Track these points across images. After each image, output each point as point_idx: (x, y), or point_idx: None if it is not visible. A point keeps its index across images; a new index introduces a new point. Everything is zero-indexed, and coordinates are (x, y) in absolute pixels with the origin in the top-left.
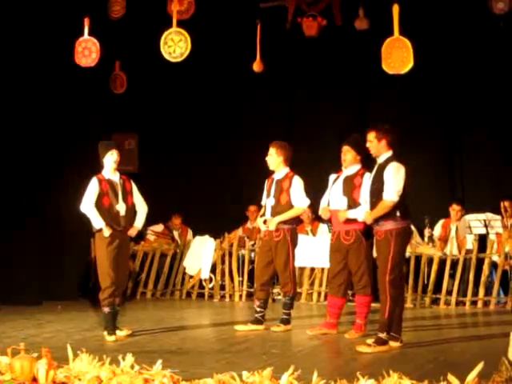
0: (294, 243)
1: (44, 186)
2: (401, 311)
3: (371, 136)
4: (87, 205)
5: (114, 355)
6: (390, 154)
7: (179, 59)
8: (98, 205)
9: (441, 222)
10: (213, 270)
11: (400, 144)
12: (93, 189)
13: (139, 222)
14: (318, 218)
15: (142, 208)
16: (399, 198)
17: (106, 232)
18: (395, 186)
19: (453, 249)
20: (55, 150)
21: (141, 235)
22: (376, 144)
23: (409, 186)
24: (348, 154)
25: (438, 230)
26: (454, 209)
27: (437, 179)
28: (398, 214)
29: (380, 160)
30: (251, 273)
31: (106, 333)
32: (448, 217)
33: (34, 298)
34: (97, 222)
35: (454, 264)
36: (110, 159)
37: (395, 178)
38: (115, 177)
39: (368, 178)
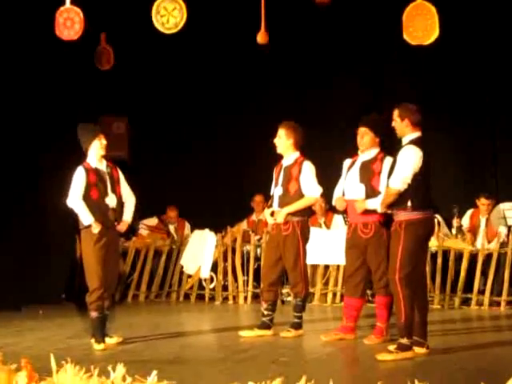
0: (305, 237)
1: (22, 177)
2: (424, 313)
3: (395, 114)
4: (74, 198)
5: (102, 365)
6: (414, 136)
7: (173, 30)
8: (86, 198)
9: (469, 212)
10: (214, 268)
11: (425, 127)
12: (79, 180)
13: (128, 214)
14: (332, 209)
15: (129, 199)
16: (409, 187)
17: (96, 228)
18: (402, 173)
19: (484, 243)
20: (34, 137)
21: (132, 230)
22: (399, 123)
23: (427, 174)
24: (366, 136)
25: (466, 222)
26: (484, 203)
27: (467, 165)
28: (409, 203)
29: (403, 142)
30: (257, 271)
31: (93, 340)
32: (477, 207)
33: (12, 303)
34: (85, 217)
35: (487, 259)
36: (98, 146)
37: (404, 163)
38: (102, 165)
39: (389, 163)
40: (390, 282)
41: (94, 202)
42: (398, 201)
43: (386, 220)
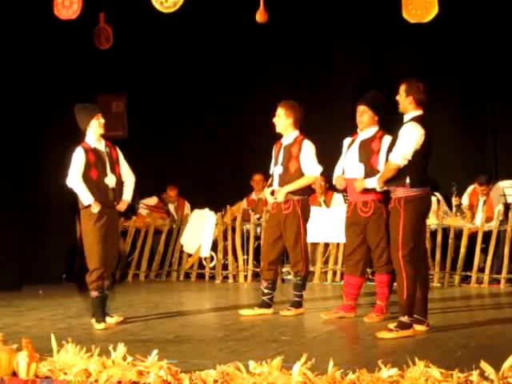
0: (306, 216)
1: (21, 157)
2: (425, 291)
3: (401, 89)
4: (74, 178)
5: (103, 345)
6: (416, 113)
7: (172, 9)
8: (86, 178)
9: (469, 189)
10: (214, 247)
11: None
12: (79, 160)
13: (128, 194)
14: (332, 188)
15: (129, 178)
16: (408, 163)
17: (95, 208)
18: (402, 149)
19: (483, 220)
20: (32, 116)
21: (132, 210)
22: (403, 98)
23: (428, 152)
24: (364, 114)
25: (465, 199)
26: (479, 189)
27: (466, 142)
28: (407, 180)
29: (404, 119)
30: (257, 250)
31: (94, 320)
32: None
33: (13, 283)
34: (85, 197)
35: (487, 237)
36: (97, 125)
37: (405, 139)
38: (101, 145)
39: (388, 141)
40: (392, 259)
41: (93, 181)
42: (397, 177)
43: (385, 198)
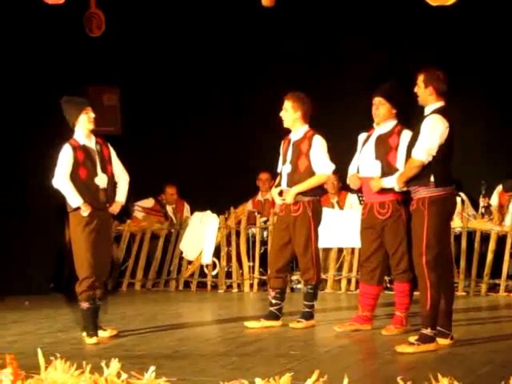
0: (317, 219)
1: (5, 156)
2: (450, 301)
3: (419, 79)
4: (61, 178)
5: (95, 361)
6: (437, 105)
7: None
8: (74, 178)
9: (499, 188)
10: (216, 253)
11: (448, 96)
12: (66, 158)
13: (122, 195)
14: (345, 188)
15: (123, 178)
16: (433, 160)
17: (85, 211)
18: (426, 143)
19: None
20: (16, 110)
21: (126, 212)
22: (423, 90)
23: (452, 147)
24: (381, 107)
25: (494, 199)
26: (510, 197)
27: (494, 137)
28: (432, 179)
29: (425, 112)
30: (264, 256)
31: (85, 334)
32: None
33: None
34: (73, 199)
35: None
36: (86, 120)
37: (429, 133)
38: (91, 142)
39: (407, 137)
40: (415, 266)
41: (82, 182)
42: (419, 176)
43: (405, 199)
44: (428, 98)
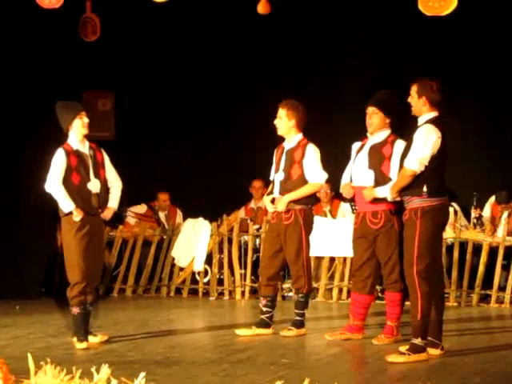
0: (309, 227)
1: None
2: (441, 311)
3: (412, 90)
4: (53, 183)
5: (85, 367)
6: (431, 115)
7: None
8: (66, 183)
9: (491, 199)
10: (208, 260)
11: (443, 108)
12: (59, 163)
13: (114, 200)
14: (338, 197)
15: (115, 183)
16: (426, 170)
17: (77, 216)
18: (419, 153)
19: (505, 234)
20: (8, 115)
21: (118, 218)
22: (416, 100)
23: (445, 157)
24: (374, 116)
25: (487, 211)
26: (503, 208)
27: (488, 147)
28: (425, 189)
29: (419, 122)
30: (256, 264)
31: (75, 339)
32: None
33: None
34: (65, 204)
35: (509, 252)
36: (79, 125)
37: (422, 142)
38: (84, 147)
39: (401, 146)
40: (406, 276)
41: (75, 187)
42: (412, 185)
43: (398, 209)
44: (421, 109)
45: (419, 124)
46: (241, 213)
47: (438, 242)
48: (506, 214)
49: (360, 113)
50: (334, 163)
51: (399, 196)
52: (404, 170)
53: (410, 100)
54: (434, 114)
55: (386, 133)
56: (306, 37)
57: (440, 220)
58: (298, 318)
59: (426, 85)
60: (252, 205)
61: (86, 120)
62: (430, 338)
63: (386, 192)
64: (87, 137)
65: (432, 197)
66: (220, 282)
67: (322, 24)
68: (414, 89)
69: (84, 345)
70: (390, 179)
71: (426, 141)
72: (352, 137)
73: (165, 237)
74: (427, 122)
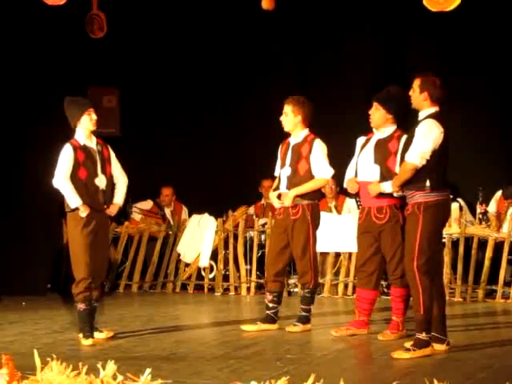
0: (316, 223)
1: (2, 154)
2: (442, 305)
3: (415, 84)
4: (61, 179)
5: (91, 362)
6: (432, 110)
7: None
8: (74, 178)
9: (497, 194)
10: (214, 256)
11: (448, 103)
12: (67, 158)
13: (120, 197)
14: (343, 192)
15: (121, 179)
16: (428, 164)
17: (83, 212)
18: (420, 147)
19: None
20: (16, 110)
21: (124, 214)
22: (417, 94)
23: (447, 152)
24: (376, 112)
25: (492, 206)
26: (510, 204)
27: (493, 143)
28: (427, 183)
29: (419, 117)
30: (261, 260)
31: (81, 335)
32: None
33: None
34: (72, 199)
35: None
36: (88, 121)
37: (424, 137)
38: (92, 143)
39: None
40: (406, 271)
41: (82, 182)
42: (415, 180)
43: (402, 204)
44: (422, 103)
45: (420, 119)
46: (250, 210)
47: (438, 237)
48: (511, 209)
49: (364, 108)
50: (339, 158)
51: (402, 191)
52: (405, 163)
53: (410, 93)
54: (435, 109)
55: (392, 128)
56: (309, 33)
57: (442, 215)
58: (303, 313)
59: (428, 80)
60: (262, 202)
61: (95, 117)
62: (434, 334)
63: (391, 187)
64: (93, 133)
65: (435, 191)
66: (225, 277)
67: (326, 18)
68: (416, 83)
69: (90, 341)
70: (395, 174)
71: (429, 135)
72: (356, 132)
73: (170, 233)
74: (429, 116)
